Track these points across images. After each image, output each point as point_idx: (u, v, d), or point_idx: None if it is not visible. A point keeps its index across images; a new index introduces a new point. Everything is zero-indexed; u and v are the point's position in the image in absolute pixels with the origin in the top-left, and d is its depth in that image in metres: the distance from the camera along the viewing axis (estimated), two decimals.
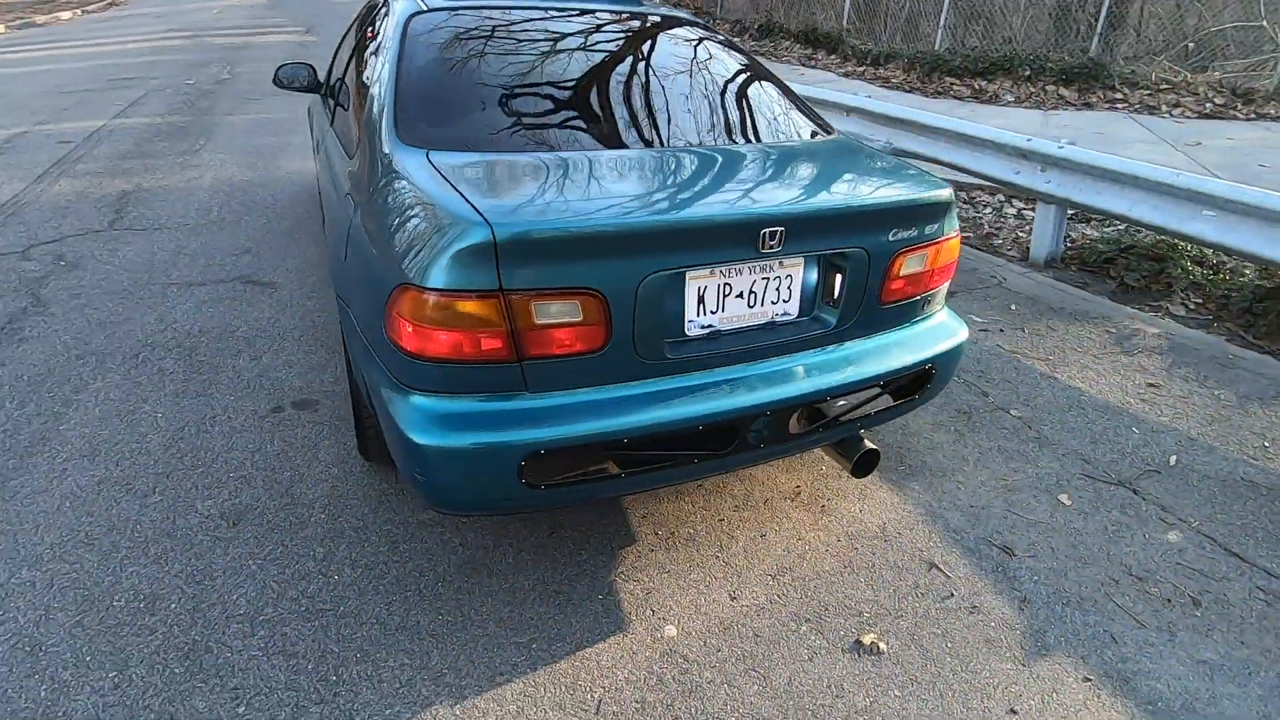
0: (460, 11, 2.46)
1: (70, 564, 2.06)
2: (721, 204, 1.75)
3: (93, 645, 1.83)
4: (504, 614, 1.96)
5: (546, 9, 2.58)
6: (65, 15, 15.28)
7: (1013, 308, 3.90)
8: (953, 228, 2.08)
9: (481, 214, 1.53)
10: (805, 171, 2.05)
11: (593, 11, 2.63)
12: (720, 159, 2.04)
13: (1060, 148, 4.41)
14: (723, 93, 2.41)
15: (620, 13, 2.70)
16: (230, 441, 2.58)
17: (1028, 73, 8.54)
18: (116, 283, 3.72)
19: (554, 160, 1.89)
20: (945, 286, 2.20)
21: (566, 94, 2.18)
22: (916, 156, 5.43)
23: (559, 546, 2.19)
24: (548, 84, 2.18)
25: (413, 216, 1.64)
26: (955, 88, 8.76)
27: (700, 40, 2.68)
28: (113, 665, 1.78)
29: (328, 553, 2.13)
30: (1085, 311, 3.88)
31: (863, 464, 2.10)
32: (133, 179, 5.25)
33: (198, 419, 2.70)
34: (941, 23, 9.36)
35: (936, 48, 9.40)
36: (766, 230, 1.69)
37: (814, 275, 1.90)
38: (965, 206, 5.77)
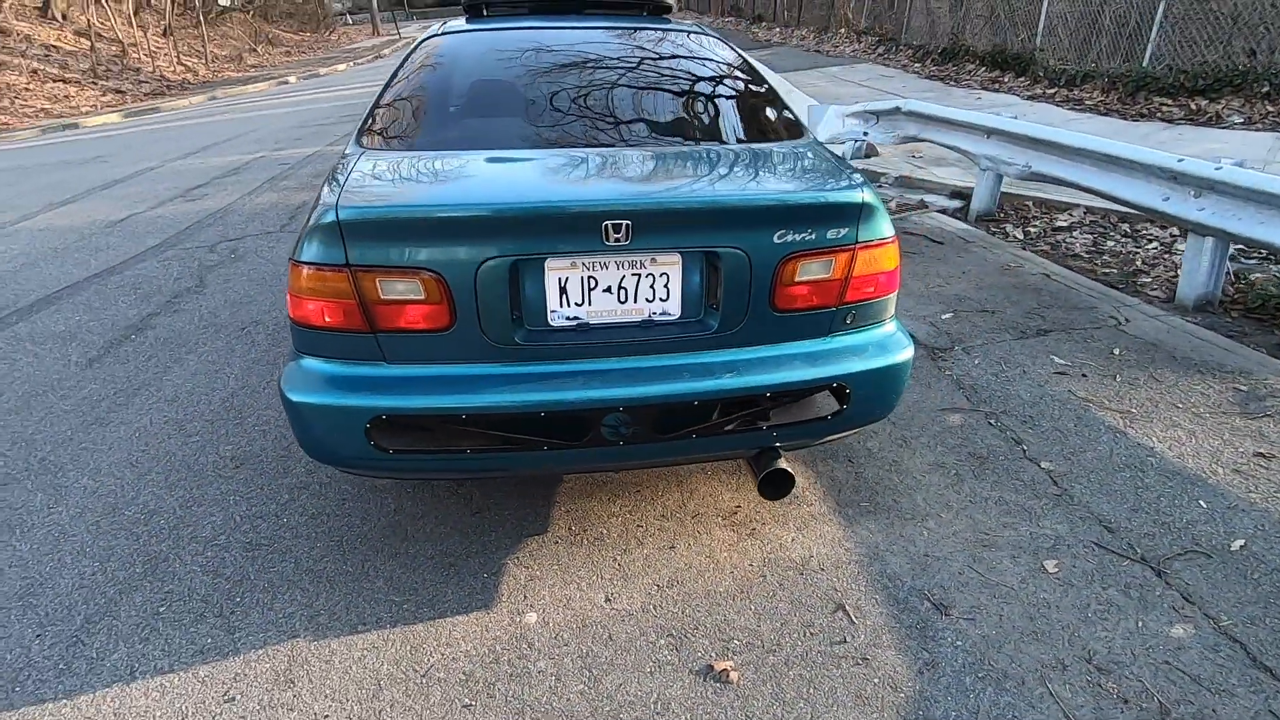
0: (469, 32, 2.72)
1: (115, 478, 2.58)
2: (563, 194, 1.78)
3: (96, 540, 2.28)
4: (396, 574, 2.12)
5: (551, 25, 2.75)
6: (341, 67, 18.57)
7: (1115, 351, 3.32)
8: (876, 234, 1.89)
9: (339, 199, 1.72)
10: (701, 169, 2.00)
11: (595, 27, 2.76)
12: (618, 157, 2.05)
13: (1218, 168, 3.69)
14: (673, 97, 2.40)
15: (625, 27, 2.80)
16: (270, 401, 3.04)
17: (1266, 89, 7.14)
18: (261, 273, 4.52)
19: (459, 158, 2.04)
20: (884, 300, 1.99)
21: (509, 100, 2.33)
22: (1059, 182, 4.82)
23: (476, 525, 2.30)
24: (496, 91, 2.35)
25: (314, 204, 1.89)
26: (1165, 108, 7.56)
27: (688, 49, 2.69)
28: (99, 558, 2.21)
29: (290, 499, 2.44)
30: (1217, 364, 3.18)
31: (769, 483, 1.97)
32: (316, 193, 6.31)
33: (258, 381, 3.21)
34: (1153, 36, 8.13)
35: (1145, 64, 8.18)
36: (609, 222, 1.69)
37: (697, 275, 1.84)
38: (1124, 240, 4.98)
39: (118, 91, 16.17)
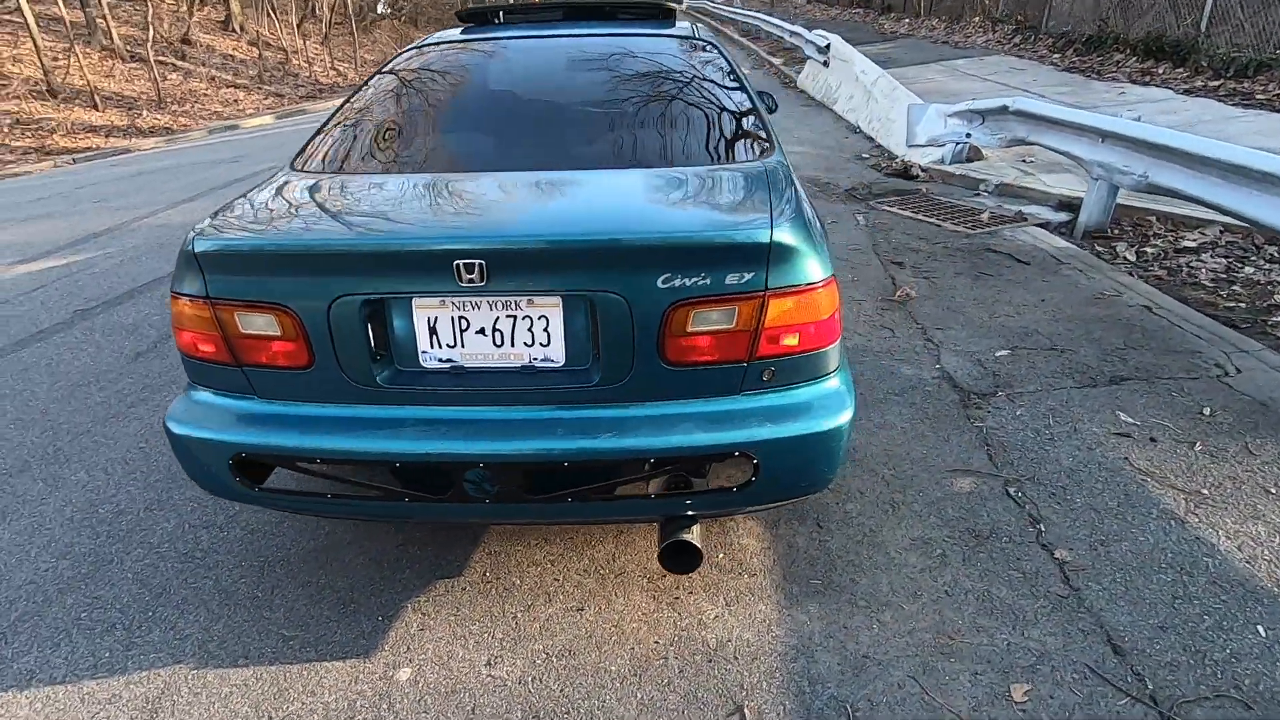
0: (443, 44, 2.63)
1: (106, 475, 2.73)
2: (415, 231, 1.62)
3: (64, 535, 2.41)
4: (298, 606, 2.06)
5: (526, 35, 2.60)
6: None
7: (1206, 411, 2.71)
8: (796, 279, 1.58)
9: (199, 230, 1.67)
10: (596, 199, 1.78)
11: (571, 35, 2.58)
12: (513, 185, 1.87)
13: None
14: (617, 117, 2.17)
15: (605, 35, 2.60)
16: None
17: None
18: None
19: (355, 184, 1.95)
20: (816, 354, 1.67)
21: (444, 122, 2.20)
22: (1178, 195, 4.08)
23: (393, 559, 2.20)
24: (435, 111, 2.23)
25: None
26: None
27: (664, 60, 2.45)
28: (59, 553, 2.33)
29: (239, 510, 2.46)
30: None
31: (669, 555, 1.73)
32: None
33: None
34: None
35: None
36: (460, 262, 1.52)
37: (582, 319, 1.63)
38: (1270, 266, 4.12)
39: (277, 95, 17.82)
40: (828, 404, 1.69)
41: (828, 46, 9.63)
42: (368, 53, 22.75)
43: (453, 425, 1.65)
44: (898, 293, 3.96)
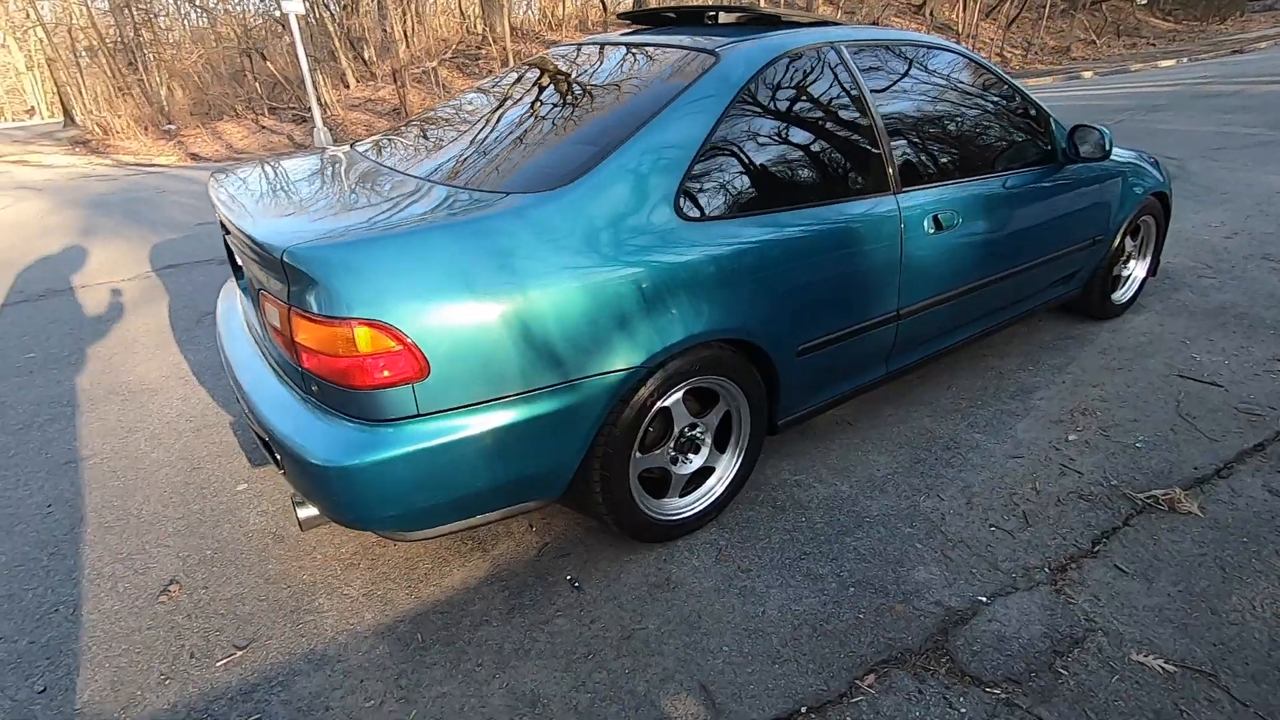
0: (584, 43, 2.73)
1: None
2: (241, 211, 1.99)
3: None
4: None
5: (624, 43, 2.50)
6: (1166, 63, 15.67)
7: None
8: (306, 304, 1.56)
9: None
10: (332, 202, 1.92)
11: (650, 45, 2.38)
12: (368, 181, 2.10)
13: None
14: (527, 131, 2.12)
15: (657, 42, 2.34)
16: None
17: None
18: None
19: (354, 159, 2.37)
20: (343, 391, 1.58)
21: (454, 115, 2.48)
22: None
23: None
24: (462, 107, 2.54)
25: None
26: None
27: (641, 74, 2.14)
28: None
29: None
30: None
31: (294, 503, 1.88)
32: None
33: None
34: None
35: None
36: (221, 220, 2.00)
37: None
38: None
39: None
40: (345, 443, 1.57)
41: None
42: (1051, 38, 20.56)
43: (248, 369, 2.00)
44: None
